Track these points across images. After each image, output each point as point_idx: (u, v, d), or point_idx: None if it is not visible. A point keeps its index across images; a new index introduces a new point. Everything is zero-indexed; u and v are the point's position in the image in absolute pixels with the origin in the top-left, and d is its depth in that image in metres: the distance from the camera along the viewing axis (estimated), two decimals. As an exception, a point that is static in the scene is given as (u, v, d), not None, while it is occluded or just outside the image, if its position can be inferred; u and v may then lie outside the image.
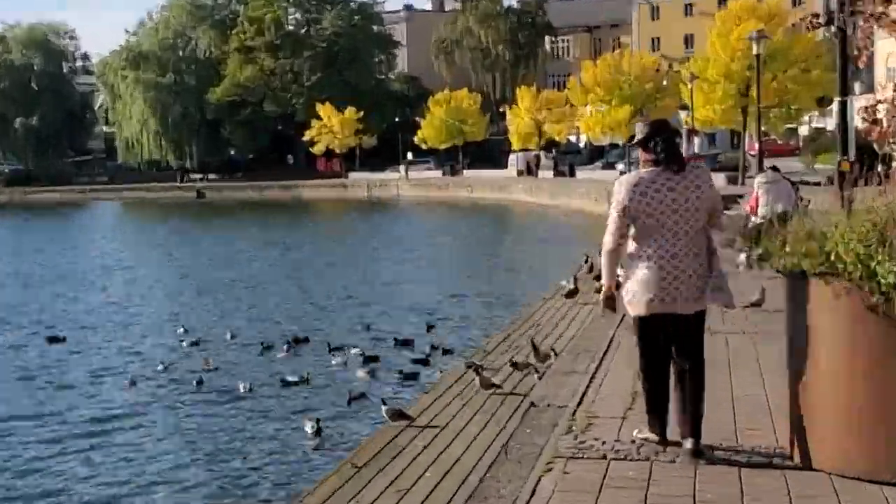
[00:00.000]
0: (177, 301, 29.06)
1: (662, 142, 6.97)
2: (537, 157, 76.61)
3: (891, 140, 5.73)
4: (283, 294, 29.47)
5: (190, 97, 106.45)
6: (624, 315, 12.84)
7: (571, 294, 16.36)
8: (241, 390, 16.78)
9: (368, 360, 18.61)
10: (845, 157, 15.40)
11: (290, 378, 17.31)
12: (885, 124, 5.66)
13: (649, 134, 7.03)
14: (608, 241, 7.02)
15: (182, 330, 22.94)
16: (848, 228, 5.96)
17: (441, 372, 14.45)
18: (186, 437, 14.69)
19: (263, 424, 15.13)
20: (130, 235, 57.11)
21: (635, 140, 7.12)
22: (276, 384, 17.17)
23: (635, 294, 6.98)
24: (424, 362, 18.27)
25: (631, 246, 7.05)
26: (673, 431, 7.10)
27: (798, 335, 6.50)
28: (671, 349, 7.02)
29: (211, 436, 14.66)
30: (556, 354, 11.08)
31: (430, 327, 22.00)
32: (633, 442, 7.21)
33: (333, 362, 18.66)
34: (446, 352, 18.79)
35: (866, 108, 5.80)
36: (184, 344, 21.38)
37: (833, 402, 6.20)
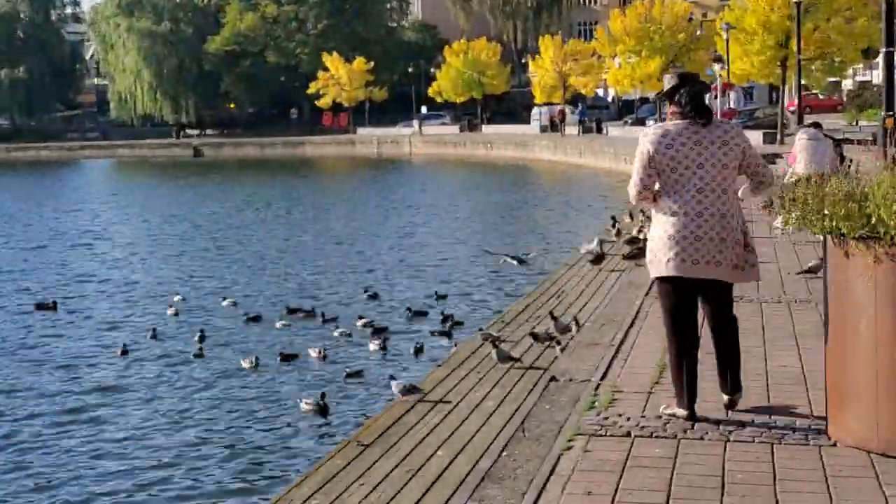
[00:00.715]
0: (172, 267, 29.19)
1: (689, 94, 7.12)
2: (562, 113, 76.34)
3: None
4: (283, 260, 29.53)
5: (187, 47, 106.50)
6: (653, 282, 12.98)
7: (598, 260, 16.40)
8: (243, 364, 16.84)
9: (377, 331, 18.66)
10: (891, 114, 15.32)
11: (290, 352, 17.39)
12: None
13: (676, 85, 7.19)
14: (632, 193, 7.17)
15: (179, 298, 23.08)
16: (891, 189, 5.95)
17: (456, 344, 14.47)
18: (179, 413, 14.76)
19: (264, 399, 15.21)
20: (122, 197, 57.21)
21: (663, 91, 7.29)
22: (276, 358, 17.20)
23: (656, 253, 7.11)
24: (446, 334, 18.26)
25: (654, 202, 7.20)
26: (700, 407, 7.23)
27: (836, 302, 6.52)
28: (697, 315, 7.19)
29: (206, 412, 14.74)
30: (579, 325, 11.12)
31: (440, 297, 21.99)
32: (659, 418, 7.26)
33: (335, 334, 18.68)
34: (457, 324, 18.76)
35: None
36: (174, 313, 21.57)
37: (873, 374, 6.22)
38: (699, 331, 7.32)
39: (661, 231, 7.08)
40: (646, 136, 7.14)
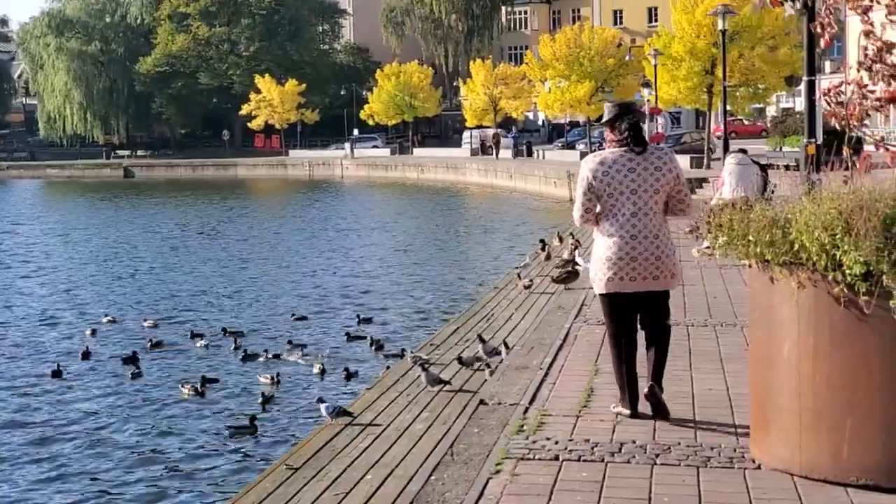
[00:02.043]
0: (95, 288, 28.84)
1: (628, 123, 7.65)
2: (497, 136, 76.58)
3: (855, 124, 5.78)
4: (206, 283, 29.25)
5: (118, 68, 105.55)
6: (582, 307, 13.02)
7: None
8: (182, 391, 16.58)
9: (306, 354, 18.55)
10: (812, 141, 15.54)
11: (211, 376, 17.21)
12: (852, 108, 5.70)
13: (617, 114, 7.73)
14: (576, 216, 7.75)
15: (107, 319, 22.88)
16: (812, 216, 6.02)
17: (388, 367, 14.42)
18: (109, 435, 14.57)
19: (191, 423, 15.05)
20: (49, 217, 56.44)
21: (603, 120, 7.85)
22: (200, 380, 17.00)
23: (597, 272, 7.70)
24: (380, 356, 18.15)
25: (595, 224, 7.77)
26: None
27: (760, 327, 6.59)
28: (636, 323, 7.79)
29: (134, 435, 14.56)
30: (508, 349, 11.12)
31: (363, 320, 21.85)
32: (587, 441, 7.27)
33: (262, 359, 18.48)
34: (379, 347, 18.70)
35: (828, 90, 5.85)
36: (91, 332, 21.42)
37: (795, 397, 6.27)
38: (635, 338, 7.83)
39: (601, 252, 7.66)
40: (586, 164, 7.66)
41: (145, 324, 22.12)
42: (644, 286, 7.59)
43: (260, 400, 15.53)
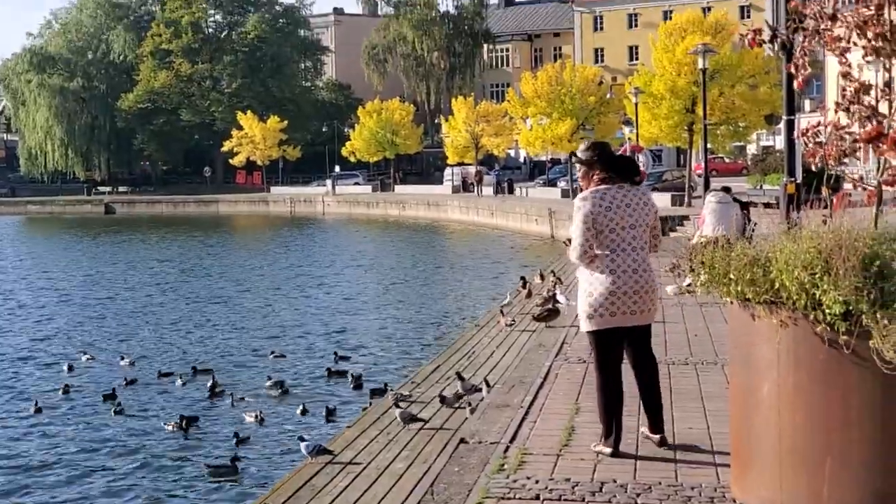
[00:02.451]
0: (75, 326, 28.72)
1: (618, 158, 7.90)
2: (479, 173, 76.64)
3: (832, 164, 5.81)
4: (184, 320, 29.15)
5: (100, 104, 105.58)
6: (563, 345, 13.00)
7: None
8: (166, 427, 16.46)
9: (285, 392, 18.50)
10: (792, 179, 15.62)
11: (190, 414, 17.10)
12: (829, 148, 5.74)
13: (605, 152, 7.84)
14: (577, 253, 7.68)
15: (86, 357, 22.80)
16: (792, 255, 6.04)
17: (371, 404, 14.37)
18: (83, 476, 14.49)
19: (171, 462, 14.96)
20: (29, 253, 56.22)
21: (593, 157, 7.79)
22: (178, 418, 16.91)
23: (596, 309, 7.65)
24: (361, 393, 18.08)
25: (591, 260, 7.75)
26: (608, 469, 7.46)
27: (740, 365, 6.59)
28: (621, 360, 7.86)
29: (115, 472, 14.47)
30: (489, 386, 11.10)
31: (340, 357, 21.76)
32: (567, 480, 7.25)
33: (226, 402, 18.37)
34: (359, 385, 18.67)
35: (806, 130, 5.89)
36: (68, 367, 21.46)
37: (776, 436, 6.27)
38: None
39: (601, 287, 7.63)
40: (586, 200, 7.64)
41: (122, 362, 22.03)
42: (642, 319, 7.74)
43: (234, 441, 15.41)
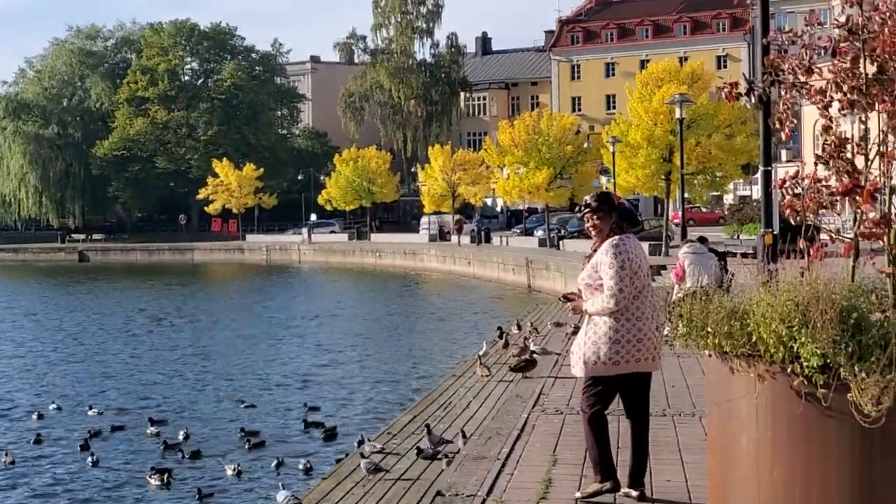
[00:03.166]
0: (44, 375, 28.52)
1: (626, 208, 8.07)
2: (460, 222, 76.70)
3: (810, 216, 5.84)
4: (155, 370, 28.97)
5: (75, 151, 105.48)
6: (540, 395, 12.97)
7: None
8: (150, 481, 16.27)
9: (256, 444, 18.36)
10: (769, 230, 15.70)
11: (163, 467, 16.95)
12: (806, 201, 5.78)
13: (613, 201, 8.05)
14: (619, 300, 7.64)
15: (53, 407, 22.65)
16: (770, 308, 6.05)
17: (347, 456, 14.27)
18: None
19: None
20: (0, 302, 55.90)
21: (607, 206, 7.95)
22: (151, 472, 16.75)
23: (623, 355, 7.70)
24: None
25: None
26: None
27: (718, 418, 6.58)
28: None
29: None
30: (465, 438, 11.07)
31: (311, 408, 21.55)
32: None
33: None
34: (333, 436, 18.55)
35: (783, 181, 5.93)
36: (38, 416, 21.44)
37: (755, 490, 6.24)
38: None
39: (628, 334, 7.67)
40: (618, 248, 7.71)
41: (90, 412, 21.87)
42: (656, 366, 7.92)
43: (196, 497, 15.17)
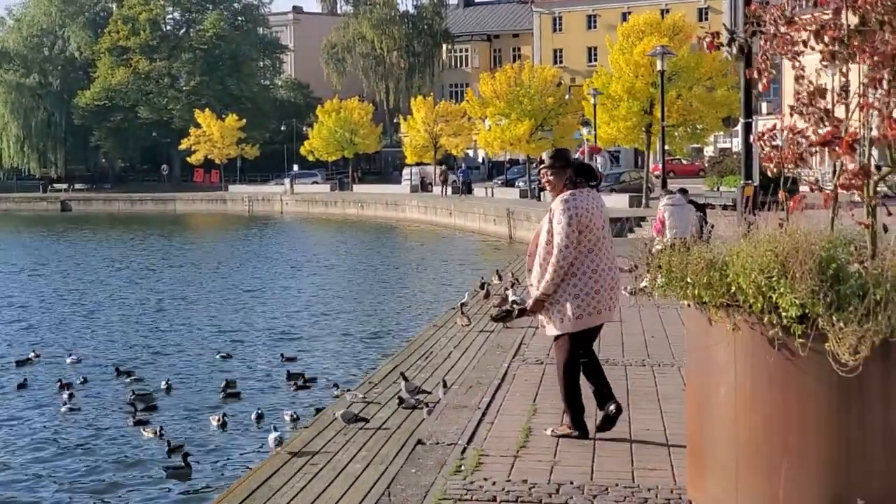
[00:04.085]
0: (26, 324, 28.47)
1: (583, 164, 8.43)
2: (445, 173, 76.41)
3: (790, 167, 5.83)
4: (137, 319, 28.92)
5: (56, 101, 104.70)
6: (520, 346, 12.99)
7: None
8: (144, 433, 16.19)
9: (230, 394, 18.34)
10: (749, 182, 15.71)
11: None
12: (785, 152, 5.76)
13: (567, 157, 8.30)
14: (567, 254, 7.83)
15: (33, 354, 22.58)
16: (749, 259, 6.05)
17: (327, 406, 14.29)
18: (42, 469, 14.36)
19: (123, 458, 14.83)
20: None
21: (561, 162, 8.16)
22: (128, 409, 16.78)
23: (585, 309, 7.91)
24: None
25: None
26: (566, 471, 7.55)
27: (697, 368, 6.61)
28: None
29: (68, 473, 14.32)
30: (446, 387, 11.09)
31: (287, 359, 21.42)
32: (525, 482, 7.24)
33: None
34: (305, 386, 18.51)
35: (762, 134, 5.90)
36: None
37: (733, 439, 6.28)
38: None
39: (586, 287, 7.88)
40: (571, 202, 7.89)
41: (69, 360, 21.85)
42: (614, 316, 8.35)
43: (167, 448, 14.89)
